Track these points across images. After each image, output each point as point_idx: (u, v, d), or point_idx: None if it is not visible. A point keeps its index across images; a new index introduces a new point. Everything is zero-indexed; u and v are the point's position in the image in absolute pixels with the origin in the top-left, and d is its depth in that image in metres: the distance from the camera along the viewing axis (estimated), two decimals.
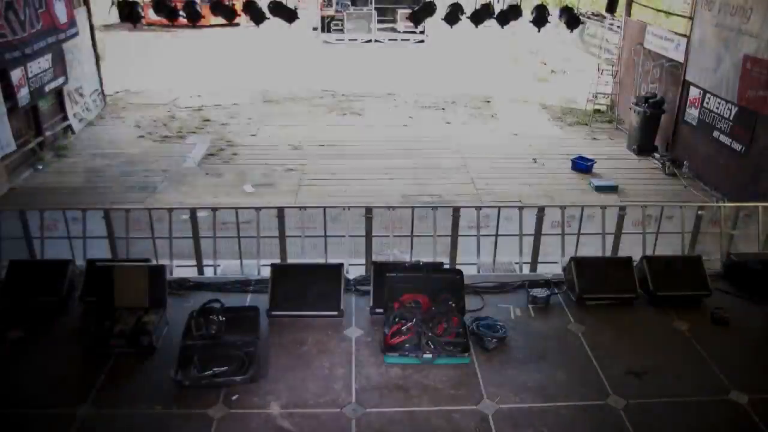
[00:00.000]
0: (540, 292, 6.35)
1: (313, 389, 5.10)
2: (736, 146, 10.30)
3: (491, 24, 11.55)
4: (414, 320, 5.40)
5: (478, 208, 7.36)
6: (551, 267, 7.19)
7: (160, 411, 4.77)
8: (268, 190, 10.64)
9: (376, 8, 23.00)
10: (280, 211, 7.15)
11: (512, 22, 11.51)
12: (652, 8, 16.42)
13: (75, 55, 13.30)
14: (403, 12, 22.52)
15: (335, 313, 5.96)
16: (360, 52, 21.78)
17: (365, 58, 20.97)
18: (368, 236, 6.84)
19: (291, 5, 11.50)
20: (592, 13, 18.52)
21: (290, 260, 7.09)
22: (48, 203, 9.55)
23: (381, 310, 5.95)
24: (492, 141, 13.43)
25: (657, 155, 12.48)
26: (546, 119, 15.12)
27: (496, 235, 7.28)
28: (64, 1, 12.58)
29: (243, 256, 7.13)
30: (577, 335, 5.87)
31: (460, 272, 6.08)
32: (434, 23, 20.13)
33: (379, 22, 23.14)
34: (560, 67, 20.02)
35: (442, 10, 13.18)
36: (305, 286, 6.08)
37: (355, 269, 6.98)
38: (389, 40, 23.03)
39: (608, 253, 7.30)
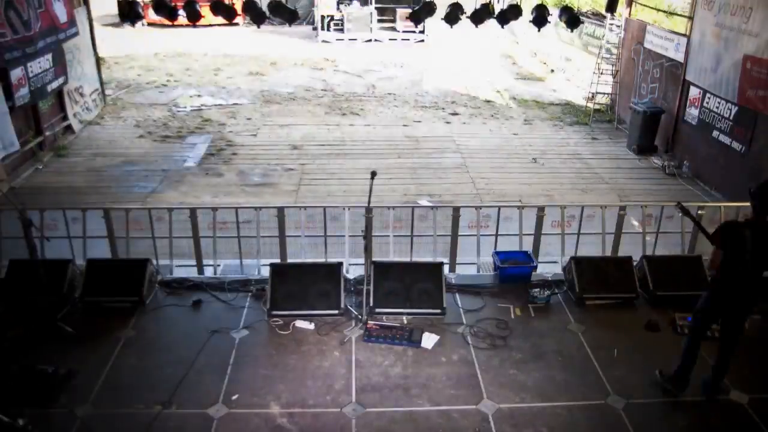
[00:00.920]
0: (540, 292, 6.35)
1: (313, 389, 5.10)
2: (736, 146, 10.30)
3: (491, 24, 11.55)
4: None
5: (478, 208, 7.36)
6: (551, 267, 7.19)
7: (160, 411, 4.78)
8: (268, 189, 10.63)
9: (376, 8, 22.99)
10: (280, 210, 7.15)
11: (512, 22, 11.50)
12: (652, 8, 16.41)
13: (75, 54, 13.28)
14: (402, 12, 22.50)
15: (335, 312, 5.97)
16: (360, 52, 21.76)
17: (365, 58, 20.95)
18: (368, 236, 6.82)
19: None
20: (592, 13, 18.51)
21: (290, 260, 7.08)
22: (48, 203, 9.54)
23: (380, 309, 5.98)
24: (492, 141, 13.42)
25: (657, 155, 12.48)
26: (546, 119, 15.10)
27: (496, 235, 7.28)
28: (64, 1, 12.56)
29: (243, 255, 7.13)
30: (577, 335, 5.87)
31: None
32: (434, 23, 20.19)
33: (379, 21, 23.13)
34: (560, 66, 20.00)
35: (442, 9, 13.19)
36: (305, 286, 6.09)
37: (355, 269, 6.99)
38: (389, 39, 23.02)
39: (608, 253, 7.30)
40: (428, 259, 7.02)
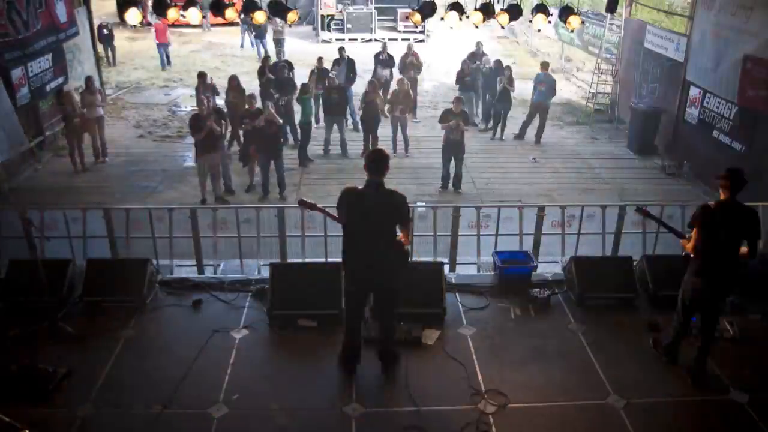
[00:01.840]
0: (540, 292, 6.36)
1: (313, 389, 5.10)
2: (736, 146, 10.30)
3: (491, 23, 11.53)
4: None
5: (478, 208, 7.36)
6: (551, 267, 7.20)
7: (160, 411, 4.78)
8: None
9: (376, 7, 22.98)
10: (280, 210, 7.15)
11: (512, 22, 11.48)
12: (652, 8, 16.41)
13: (75, 54, 13.28)
14: (403, 11, 22.48)
15: (335, 312, 5.96)
16: (360, 52, 21.74)
17: (365, 58, 20.93)
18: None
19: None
20: (592, 13, 18.50)
21: (290, 260, 7.09)
22: (48, 203, 9.54)
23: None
24: (492, 141, 13.41)
25: (657, 155, 12.48)
26: (545, 118, 15.08)
27: (496, 235, 7.28)
28: (64, 1, 12.57)
29: (243, 255, 7.13)
30: (577, 335, 5.87)
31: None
32: (435, 23, 20.16)
33: (379, 21, 23.11)
34: (560, 66, 19.99)
35: (442, 9, 13.17)
36: (305, 286, 6.09)
37: None
38: (389, 39, 22.99)
39: (608, 253, 7.30)
40: (428, 259, 7.03)
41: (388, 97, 12.54)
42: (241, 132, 10.94)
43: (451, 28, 11.21)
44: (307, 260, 7.02)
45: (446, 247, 7.22)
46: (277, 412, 4.82)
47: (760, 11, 9.65)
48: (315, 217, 7.22)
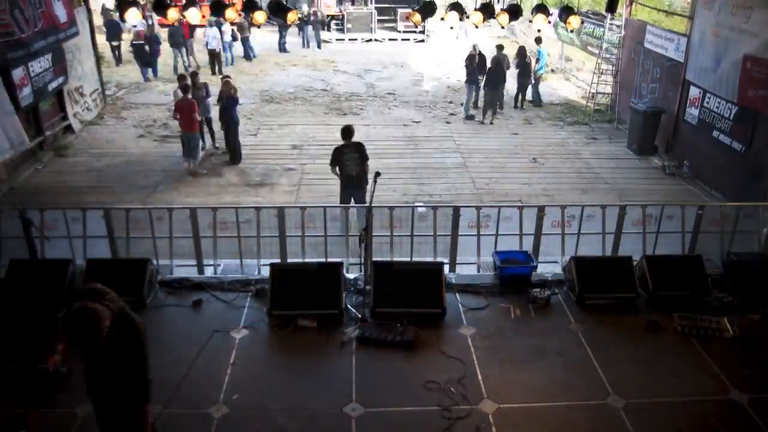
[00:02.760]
0: (540, 292, 6.36)
1: (313, 389, 5.10)
2: (736, 146, 10.30)
3: (492, 24, 11.54)
4: None
5: (478, 208, 7.36)
6: (551, 267, 7.20)
7: (160, 411, 4.77)
8: (268, 189, 10.63)
9: (376, 8, 23.00)
10: (280, 210, 7.15)
11: (512, 22, 11.48)
12: (652, 8, 16.42)
13: (75, 54, 13.29)
14: (403, 11, 22.51)
15: (335, 312, 5.97)
16: (360, 52, 21.76)
17: (365, 58, 20.96)
18: (369, 235, 6.83)
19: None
20: (592, 13, 18.50)
21: (290, 260, 7.09)
22: (48, 203, 9.53)
23: (381, 309, 5.97)
24: (492, 140, 13.41)
25: (657, 155, 12.48)
26: (546, 118, 15.10)
27: (496, 235, 7.28)
28: (64, 1, 12.57)
29: (243, 255, 7.13)
30: (577, 335, 5.87)
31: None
32: (435, 23, 20.17)
33: (380, 21, 23.13)
34: (560, 66, 20.00)
35: (442, 9, 13.17)
36: (305, 286, 6.09)
37: (354, 269, 6.99)
38: (389, 39, 23.03)
39: (608, 253, 7.30)
40: (428, 259, 7.03)
41: None
42: None
43: (451, 28, 11.22)
44: (307, 260, 7.02)
45: (446, 247, 7.22)
46: (277, 412, 4.82)
47: (760, 11, 9.65)
48: (315, 217, 7.23)
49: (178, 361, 5.32)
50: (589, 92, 15.88)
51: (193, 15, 10.37)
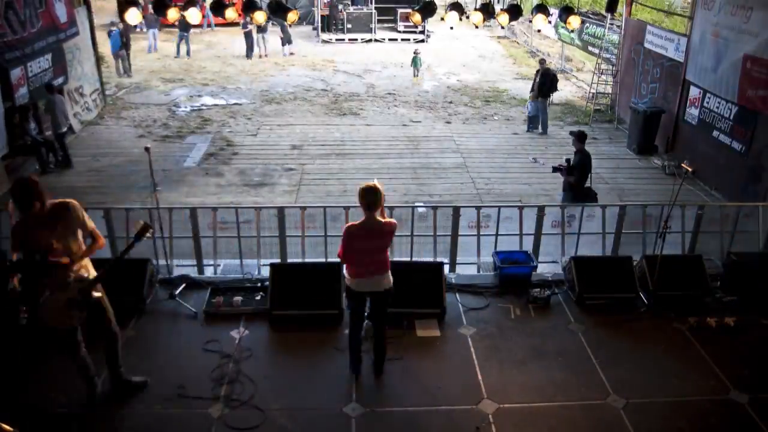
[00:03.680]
0: (540, 292, 6.36)
1: (313, 389, 5.10)
2: (736, 146, 10.30)
3: (492, 24, 11.54)
4: None
5: (478, 208, 7.36)
6: (551, 267, 7.19)
7: (160, 411, 4.78)
8: (268, 189, 10.64)
9: (376, 8, 22.99)
10: (280, 210, 7.15)
11: (512, 22, 11.49)
12: (652, 8, 16.43)
13: (75, 54, 13.29)
14: (403, 11, 22.50)
15: (335, 312, 5.97)
16: (360, 52, 21.76)
17: (365, 57, 20.95)
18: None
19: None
20: (592, 13, 18.51)
21: (290, 260, 7.08)
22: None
23: None
24: (492, 141, 13.41)
25: (657, 155, 12.48)
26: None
27: (497, 235, 7.28)
28: (64, 1, 12.57)
29: (243, 255, 7.13)
30: (577, 335, 5.87)
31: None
32: (435, 23, 20.17)
33: (380, 21, 23.12)
34: (560, 66, 20.00)
35: (442, 9, 13.17)
36: (305, 286, 6.09)
37: None
38: (389, 39, 23.02)
39: (608, 253, 7.30)
40: (428, 259, 7.03)
41: None
42: None
43: (451, 28, 11.23)
44: (307, 260, 7.02)
45: (446, 247, 7.21)
46: (277, 412, 4.82)
47: (760, 11, 9.65)
48: (315, 217, 7.23)
49: (178, 361, 5.32)
50: (589, 92, 15.88)
51: (193, 15, 10.38)
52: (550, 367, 5.41)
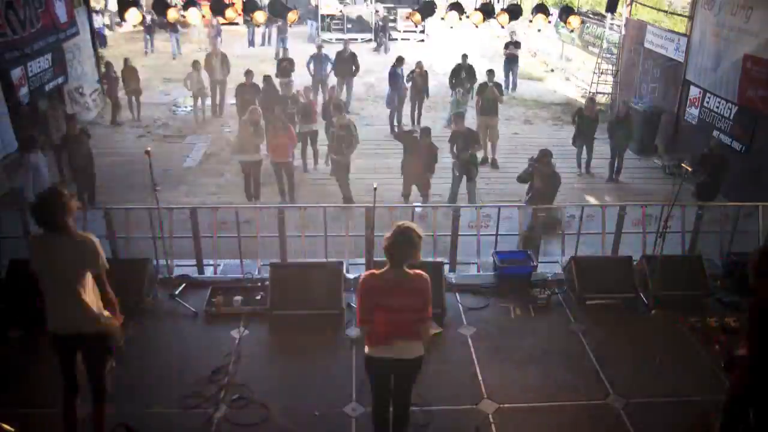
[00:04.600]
0: (540, 292, 6.36)
1: (313, 389, 5.10)
2: (736, 146, 10.30)
3: (492, 24, 11.54)
4: None
5: (479, 208, 7.37)
6: (551, 267, 7.19)
7: (161, 411, 4.78)
8: (268, 189, 10.62)
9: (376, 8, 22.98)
10: (281, 210, 7.15)
11: (512, 22, 11.48)
12: (652, 8, 16.42)
13: (75, 54, 13.28)
14: (403, 11, 22.49)
15: (335, 312, 5.97)
16: (360, 52, 21.73)
17: (365, 57, 20.92)
18: (369, 236, 6.84)
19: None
20: (593, 13, 18.51)
21: (290, 260, 7.08)
22: None
23: None
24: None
25: (657, 155, 12.48)
26: (546, 118, 15.10)
27: (497, 235, 7.28)
28: (64, 1, 12.57)
29: (243, 255, 7.13)
30: (577, 335, 5.88)
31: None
32: (435, 23, 20.11)
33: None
34: (560, 66, 20.00)
35: (442, 9, 13.14)
36: (305, 286, 6.09)
37: (355, 269, 6.99)
38: (390, 39, 22.99)
39: (608, 253, 7.30)
40: (428, 259, 7.02)
41: None
42: None
43: (451, 27, 11.23)
44: (307, 260, 7.02)
45: (446, 247, 7.22)
46: (277, 411, 4.82)
47: (760, 11, 9.65)
48: (315, 217, 7.23)
49: (178, 361, 5.33)
50: (590, 92, 15.88)
51: (193, 15, 10.38)
52: (550, 367, 5.42)
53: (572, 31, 14.38)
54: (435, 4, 11.20)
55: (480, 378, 5.24)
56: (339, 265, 6.33)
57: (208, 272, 7.17)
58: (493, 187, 10.87)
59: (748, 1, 9.95)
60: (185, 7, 10.31)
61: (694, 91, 11.68)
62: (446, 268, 6.68)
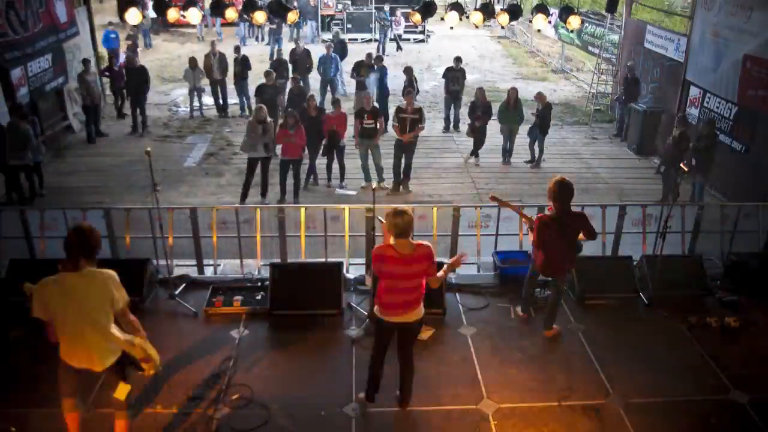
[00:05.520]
0: (540, 292, 6.35)
1: (313, 389, 5.10)
2: (736, 146, 10.30)
3: (492, 23, 11.55)
4: None
5: (479, 208, 7.37)
6: None
7: (161, 411, 4.78)
8: (269, 189, 10.62)
9: (376, 7, 22.96)
10: (280, 210, 7.16)
11: (512, 22, 11.50)
12: (652, 8, 16.43)
13: (75, 54, 13.27)
14: (403, 11, 22.48)
15: (335, 312, 5.97)
16: (360, 52, 21.72)
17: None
18: (369, 236, 6.84)
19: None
20: (593, 13, 18.51)
21: (290, 260, 7.09)
22: (48, 203, 9.54)
23: None
24: (492, 140, 13.37)
25: (657, 155, 12.47)
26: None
27: (497, 235, 7.28)
28: (65, 1, 12.57)
29: (243, 255, 7.13)
30: (577, 335, 5.88)
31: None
32: (435, 23, 20.15)
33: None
34: (560, 66, 20.01)
35: (442, 9, 13.16)
36: (305, 286, 6.09)
37: (355, 269, 6.99)
38: (390, 39, 22.98)
39: (608, 253, 7.30)
40: None
41: None
42: None
43: (452, 28, 11.23)
44: (307, 260, 7.02)
45: (446, 247, 7.22)
46: (277, 411, 4.82)
47: (760, 11, 9.65)
48: (315, 217, 7.23)
49: (178, 361, 5.33)
50: (589, 92, 15.89)
51: (193, 15, 10.39)
52: (550, 367, 5.42)
53: (572, 31, 14.38)
54: (435, 4, 11.20)
55: (480, 378, 5.24)
56: (339, 265, 6.33)
57: (208, 272, 7.17)
58: (493, 187, 10.87)
59: (748, 1, 9.95)
60: (185, 7, 10.32)
61: (694, 91, 11.68)
62: None
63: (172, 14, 10.31)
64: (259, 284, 6.45)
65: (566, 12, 11.51)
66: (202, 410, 4.83)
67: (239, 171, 11.37)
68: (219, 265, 7.31)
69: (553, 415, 4.87)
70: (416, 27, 21.52)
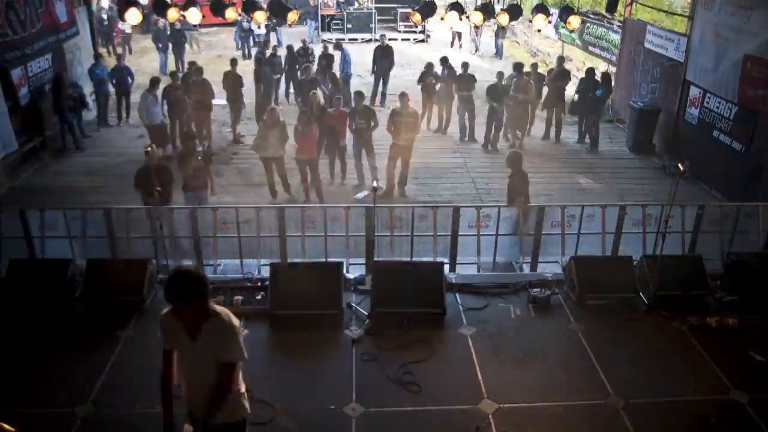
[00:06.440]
0: (540, 292, 6.36)
1: (313, 389, 5.10)
2: (736, 146, 10.29)
3: (492, 23, 11.56)
4: None
5: (478, 208, 7.37)
6: (551, 267, 7.19)
7: (160, 411, 4.77)
8: (269, 189, 10.62)
9: (376, 7, 22.96)
10: (280, 210, 7.15)
11: (512, 22, 11.50)
12: (652, 8, 16.42)
13: (75, 54, 13.27)
14: (403, 11, 22.49)
15: (335, 312, 5.97)
16: (360, 52, 21.73)
17: (366, 57, 20.92)
18: (368, 236, 6.84)
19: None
20: (593, 13, 18.49)
21: (290, 260, 7.09)
22: (48, 203, 9.51)
23: (381, 309, 5.96)
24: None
25: (657, 155, 12.47)
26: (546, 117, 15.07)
27: (497, 235, 7.28)
28: (65, 1, 12.57)
29: (243, 255, 7.13)
30: (577, 335, 5.88)
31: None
32: (435, 23, 20.14)
33: (380, 21, 23.07)
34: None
35: (442, 9, 13.15)
36: (305, 286, 6.09)
37: (355, 269, 6.99)
38: (390, 39, 22.98)
39: (608, 253, 7.30)
40: (428, 259, 7.03)
41: None
42: None
43: (451, 29, 11.23)
44: (307, 260, 7.02)
45: (446, 247, 7.22)
46: (277, 411, 4.82)
47: (760, 11, 9.65)
48: (315, 217, 7.23)
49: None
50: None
51: (193, 15, 10.39)
52: (550, 367, 5.42)
53: (572, 31, 14.38)
54: (435, 3, 11.21)
55: (480, 378, 5.24)
56: (339, 265, 6.33)
57: (208, 272, 7.17)
58: (493, 187, 10.86)
59: (748, 1, 9.94)
60: (185, 7, 10.32)
61: (694, 91, 11.67)
62: (446, 268, 6.67)
63: (172, 14, 10.32)
64: (259, 284, 6.45)
65: (566, 12, 11.53)
66: None
67: (239, 171, 11.38)
68: (219, 265, 7.30)
69: (553, 415, 4.87)
70: (416, 27, 21.50)
